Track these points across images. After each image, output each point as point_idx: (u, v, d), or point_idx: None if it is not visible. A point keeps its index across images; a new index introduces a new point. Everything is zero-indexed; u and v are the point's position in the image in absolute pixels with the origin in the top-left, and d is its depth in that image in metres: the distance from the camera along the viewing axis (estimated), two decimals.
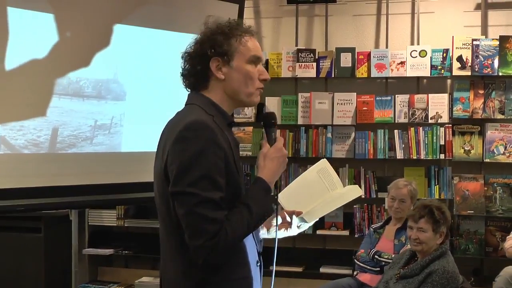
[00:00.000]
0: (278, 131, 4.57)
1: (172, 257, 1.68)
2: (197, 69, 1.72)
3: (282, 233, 1.95)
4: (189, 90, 1.79)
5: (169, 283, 1.71)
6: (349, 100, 4.61)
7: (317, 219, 2.08)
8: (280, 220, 1.92)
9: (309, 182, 2.09)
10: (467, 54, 4.40)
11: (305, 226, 2.01)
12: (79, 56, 3.42)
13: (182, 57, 1.77)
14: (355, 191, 2.19)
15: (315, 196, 2.05)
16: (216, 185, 1.57)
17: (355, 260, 3.77)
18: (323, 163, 2.13)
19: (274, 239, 1.86)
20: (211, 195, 1.56)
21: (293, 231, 1.98)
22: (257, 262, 1.77)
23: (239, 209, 1.61)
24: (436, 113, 4.47)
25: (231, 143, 1.68)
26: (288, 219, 1.94)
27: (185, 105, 1.79)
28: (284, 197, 2.02)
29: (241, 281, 1.68)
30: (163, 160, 1.63)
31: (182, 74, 1.77)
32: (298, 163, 4.67)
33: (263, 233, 1.83)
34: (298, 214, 1.95)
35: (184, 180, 1.56)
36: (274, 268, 1.84)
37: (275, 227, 1.89)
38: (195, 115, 1.64)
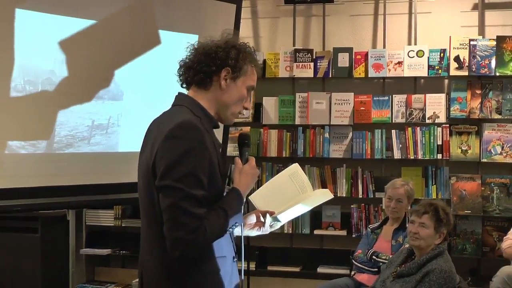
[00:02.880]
0: (276, 131, 4.64)
1: (152, 249, 1.79)
2: (211, 69, 1.82)
3: (256, 232, 2.09)
4: (184, 85, 1.89)
5: (148, 275, 1.80)
6: (346, 100, 4.62)
7: (290, 219, 2.23)
8: (254, 219, 2.06)
9: (281, 185, 2.23)
10: (464, 54, 4.41)
11: (277, 226, 2.14)
12: (78, 56, 3.41)
13: (194, 52, 1.85)
14: (326, 195, 2.32)
15: (286, 198, 2.18)
16: (200, 183, 1.68)
17: (353, 261, 3.77)
18: (295, 167, 2.28)
19: (242, 237, 1.98)
20: (195, 192, 1.66)
21: (266, 230, 2.10)
22: (234, 258, 1.89)
23: (217, 212, 1.73)
24: (434, 113, 4.48)
25: (215, 145, 1.80)
26: (262, 219, 2.07)
27: (173, 105, 1.89)
28: (257, 198, 2.17)
29: (212, 275, 1.78)
30: (151, 156, 1.73)
31: (189, 67, 1.85)
32: (296, 163, 4.65)
33: (237, 231, 1.93)
34: (271, 214, 2.08)
35: (171, 175, 1.66)
36: (243, 264, 2.01)
37: (248, 226, 2.03)
38: (185, 116, 1.76)
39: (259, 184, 4.17)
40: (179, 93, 1.91)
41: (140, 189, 1.82)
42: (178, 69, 1.89)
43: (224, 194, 1.82)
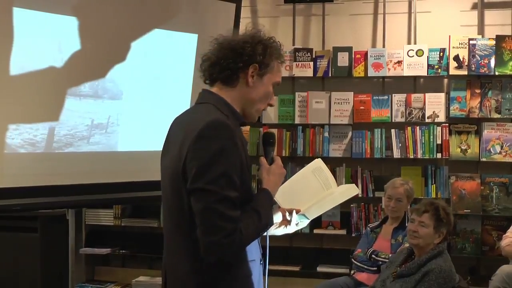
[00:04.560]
0: (276, 130, 4.64)
1: (182, 254, 1.71)
2: (238, 66, 1.75)
3: (282, 230, 2.02)
4: (208, 81, 1.81)
5: (177, 280, 1.73)
6: (346, 99, 4.62)
7: (316, 216, 2.15)
8: (280, 217, 1.99)
9: (304, 181, 2.16)
10: (463, 54, 4.41)
11: (303, 224, 2.08)
12: (77, 56, 3.41)
13: (222, 45, 1.77)
14: (352, 190, 2.25)
15: (310, 194, 2.11)
16: (233, 184, 1.62)
17: (353, 260, 3.77)
18: (318, 162, 2.20)
19: (267, 237, 1.93)
20: (229, 193, 1.60)
21: (292, 228, 2.04)
22: (260, 260, 1.87)
23: (251, 214, 1.67)
24: (433, 112, 4.48)
25: (243, 143, 1.73)
26: (288, 217, 2.01)
27: (198, 103, 1.80)
28: (281, 195, 2.07)
29: (246, 279, 1.73)
30: (181, 157, 1.65)
31: (215, 64, 1.77)
32: (295, 162, 4.67)
33: None
34: (297, 211, 2.01)
35: (204, 178, 1.59)
36: (268, 266, 1.89)
37: (275, 225, 1.97)
38: (214, 114, 1.68)
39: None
40: (203, 90, 1.82)
41: (167, 191, 1.74)
42: (201, 64, 1.81)
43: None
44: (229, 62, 1.74)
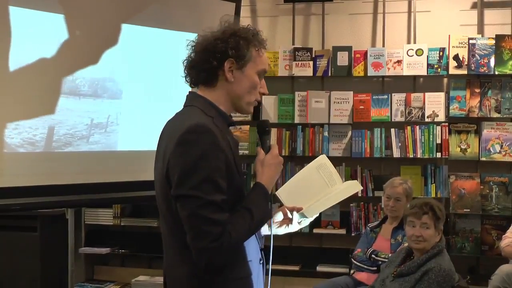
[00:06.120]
0: (275, 130, 4.64)
1: (177, 258, 1.70)
2: (212, 65, 1.71)
3: (283, 229, 2.00)
4: (193, 85, 1.79)
5: (175, 282, 1.72)
6: (345, 98, 4.62)
7: (318, 214, 2.11)
8: (281, 216, 1.97)
9: (309, 178, 2.11)
10: (463, 53, 4.41)
11: (306, 222, 2.05)
12: (76, 55, 3.41)
13: (194, 49, 1.76)
14: (355, 186, 2.22)
15: (315, 192, 2.07)
16: (218, 188, 1.59)
17: (352, 259, 3.77)
18: (323, 158, 2.16)
19: (270, 237, 1.89)
20: (214, 197, 1.57)
21: (294, 227, 2.02)
22: (260, 260, 1.84)
23: (242, 213, 1.63)
24: (433, 111, 4.48)
25: (231, 144, 1.70)
26: (289, 215, 1.98)
27: (184, 106, 1.79)
28: (284, 193, 2.04)
29: (244, 280, 1.71)
30: (164, 163, 1.64)
31: (192, 67, 1.75)
32: (295, 162, 4.67)
33: (264, 230, 1.86)
34: (298, 210, 1.99)
35: (187, 183, 1.57)
36: (271, 266, 1.88)
37: (275, 224, 1.95)
38: (196, 118, 1.65)
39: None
40: (190, 92, 1.80)
41: (158, 196, 1.73)
42: (184, 69, 1.80)
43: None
44: (203, 63, 1.72)
